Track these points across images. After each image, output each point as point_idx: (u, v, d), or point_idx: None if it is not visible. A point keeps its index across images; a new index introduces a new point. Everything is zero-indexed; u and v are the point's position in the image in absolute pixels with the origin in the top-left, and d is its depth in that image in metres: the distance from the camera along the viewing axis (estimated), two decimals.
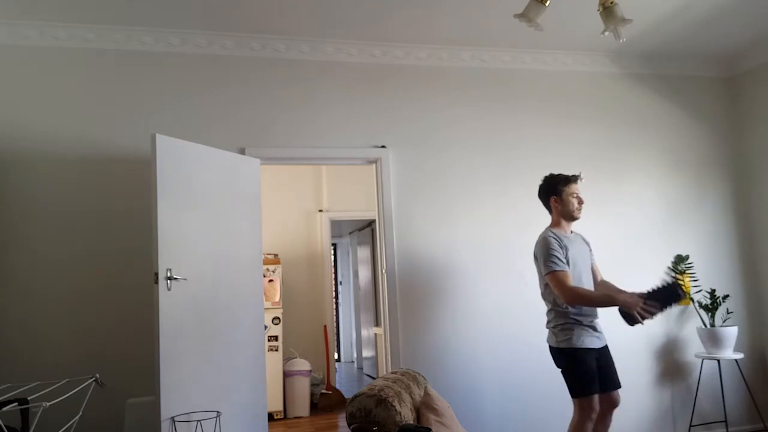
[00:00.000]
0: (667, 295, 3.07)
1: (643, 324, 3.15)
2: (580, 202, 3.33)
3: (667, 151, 4.58)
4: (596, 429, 3.22)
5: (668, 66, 4.63)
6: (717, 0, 3.70)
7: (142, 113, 3.68)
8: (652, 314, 3.06)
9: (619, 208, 4.40)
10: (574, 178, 3.36)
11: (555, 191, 3.34)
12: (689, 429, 4.27)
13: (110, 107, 3.65)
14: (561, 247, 3.19)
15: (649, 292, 3.08)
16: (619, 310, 3.15)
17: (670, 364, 4.38)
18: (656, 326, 4.37)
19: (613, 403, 3.27)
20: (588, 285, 3.28)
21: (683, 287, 3.01)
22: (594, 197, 4.33)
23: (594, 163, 4.39)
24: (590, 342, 3.15)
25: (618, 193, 4.42)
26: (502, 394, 4.03)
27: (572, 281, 3.13)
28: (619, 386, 3.27)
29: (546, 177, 3.43)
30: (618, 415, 4.16)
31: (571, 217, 3.34)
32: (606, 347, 3.27)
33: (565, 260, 3.17)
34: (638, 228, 4.44)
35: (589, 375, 3.11)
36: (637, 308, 3.04)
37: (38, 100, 3.56)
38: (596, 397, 3.11)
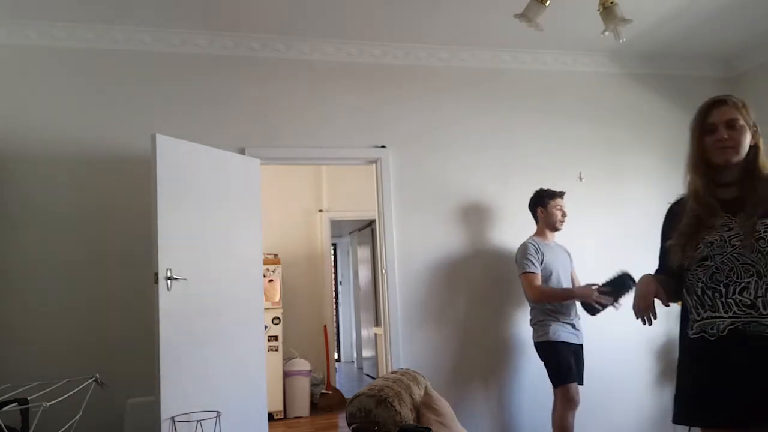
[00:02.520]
0: (618, 286, 3.43)
1: (602, 311, 3.49)
2: (563, 215, 3.77)
3: (667, 150, 4.56)
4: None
5: (668, 66, 4.63)
6: (717, 0, 3.70)
7: (142, 113, 3.68)
8: (605, 304, 3.44)
9: (618, 208, 4.40)
10: (560, 194, 3.80)
11: (542, 203, 3.80)
12: (689, 429, 4.27)
13: (110, 107, 3.65)
14: (537, 252, 3.64)
15: (602, 285, 3.47)
16: (582, 303, 3.57)
17: (670, 364, 4.38)
18: (656, 326, 4.33)
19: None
20: (565, 286, 3.68)
21: (632, 278, 3.43)
22: (594, 197, 4.33)
23: (594, 163, 4.39)
24: (566, 337, 3.54)
25: (618, 193, 4.42)
26: (501, 393, 4.03)
27: (540, 282, 3.59)
28: (582, 383, 3.60)
29: (536, 191, 3.86)
30: (618, 415, 4.18)
31: (554, 228, 3.80)
32: (581, 346, 3.63)
33: (539, 264, 3.62)
34: (638, 227, 4.43)
35: (566, 364, 3.50)
36: (591, 299, 3.45)
37: (38, 100, 3.56)
38: (574, 386, 3.48)
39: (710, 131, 1.90)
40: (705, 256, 1.83)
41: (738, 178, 1.90)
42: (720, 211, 1.85)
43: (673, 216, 2.03)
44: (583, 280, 3.96)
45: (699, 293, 1.86)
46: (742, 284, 1.77)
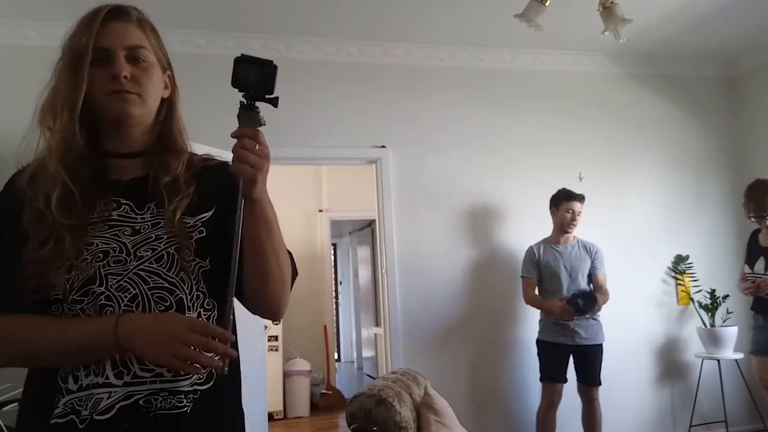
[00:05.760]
0: (574, 304, 3.51)
1: (583, 313, 3.55)
2: (572, 218, 3.76)
3: (667, 151, 4.57)
4: (583, 417, 3.69)
5: (668, 66, 4.63)
6: (716, 0, 3.70)
7: None
8: (569, 317, 3.54)
9: (618, 209, 4.40)
10: (576, 197, 3.77)
11: (555, 203, 3.82)
12: (689, 429, 4.27)
13: None
14: (533, 256, 3.77)
15: (568, 299, 3.54)
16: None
17: (670, 364, 4.38)
18: (656, 326, 4.37)
19: (587, 397, 3.68)
20: (567, 287, 3.66)
21: (587, 292, 3.61)
22: (593, 197, 4.33)
23: (593, 163, 4.39)
24: (554, 337, 3.65)
25: (618, 194, 4.42)
26: (502, 392, 4.03)
27: (532, 286, 3.76)
28: (594, 384, 3.65)
29: (558, 190, 3.85)
30: (618, 415, 4.18)
31: (562, 230, 3.79)
32: (586, 347, 3.64)
33: (535, 268, 3.75)
34: (638, 228, 4.44)
35: (545, 363, 3.68)
36: (557, 313, 3.55)
37: (38, 101, 3.55)
38: (553, 385, 3.60)
39: (102, 60, 1.11)
40: (93, 276, 1.01)
41: (148, 148, 1.16)
42: (112, 194, 1.11)
43: None
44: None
45: None
46: None
